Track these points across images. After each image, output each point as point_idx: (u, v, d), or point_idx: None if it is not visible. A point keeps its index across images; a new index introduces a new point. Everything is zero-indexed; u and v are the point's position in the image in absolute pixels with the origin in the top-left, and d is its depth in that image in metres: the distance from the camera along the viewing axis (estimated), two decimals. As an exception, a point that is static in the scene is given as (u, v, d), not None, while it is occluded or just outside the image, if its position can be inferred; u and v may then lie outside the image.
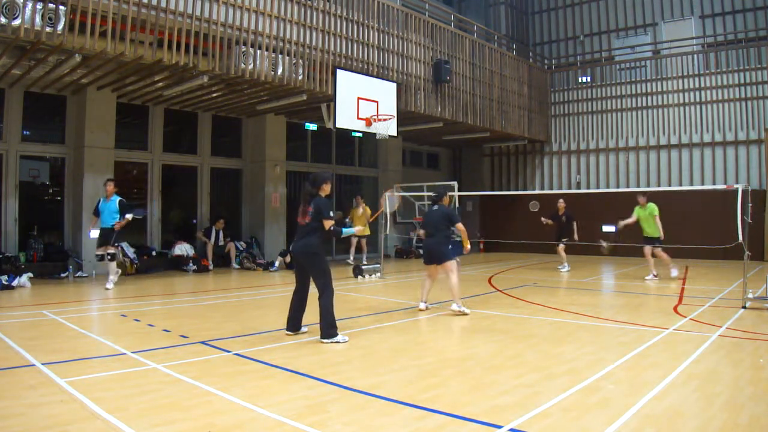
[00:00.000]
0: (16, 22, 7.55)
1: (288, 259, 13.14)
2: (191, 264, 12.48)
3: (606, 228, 16.77)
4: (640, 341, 5.59)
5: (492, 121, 16.34)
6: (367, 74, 12.14)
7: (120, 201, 9.84)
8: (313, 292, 5.81)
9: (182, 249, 12.80)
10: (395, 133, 12.60)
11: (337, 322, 5.67)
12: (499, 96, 16.67)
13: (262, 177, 14.42)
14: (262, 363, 4.78)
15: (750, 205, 7.67)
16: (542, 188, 19.51)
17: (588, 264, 14.62)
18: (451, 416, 3.50)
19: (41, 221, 12.01)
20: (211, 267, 12.81)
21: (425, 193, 17.47)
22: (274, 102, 12.36)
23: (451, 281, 7.38)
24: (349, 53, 11.98)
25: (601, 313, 7.37)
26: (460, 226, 7.63)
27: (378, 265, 12.00)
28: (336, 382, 4.22)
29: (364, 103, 11.81)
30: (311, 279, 5.84)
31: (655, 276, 11.39)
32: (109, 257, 9.68)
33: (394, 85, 12.62)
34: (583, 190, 17.90)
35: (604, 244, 13.15)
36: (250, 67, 10.09)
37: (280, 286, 10.27)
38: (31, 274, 9.90)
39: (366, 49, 12.35)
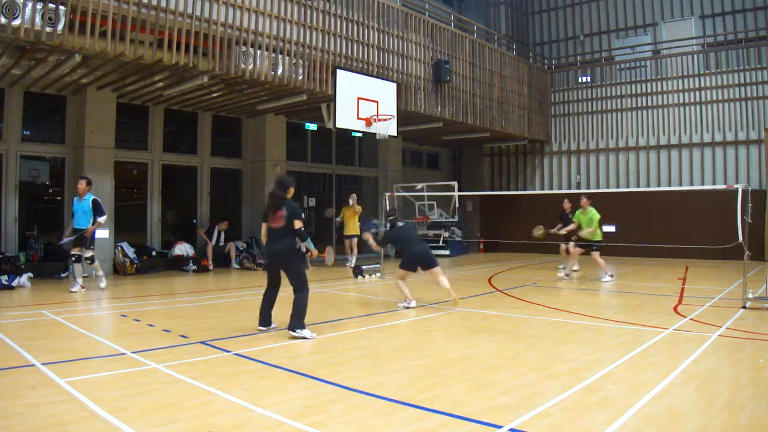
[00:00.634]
0: (16, 22, 7.55)
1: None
2: (191, 264, 12.48)
3: (606, 228, 16.77)
4: (640, 341, 5.59)
5: (492, 121, 16.34)
6: (367, 74, 12.14)
7: (93, 200, 9.11)
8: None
9: (182, 249, 12.80)
10: (395, 133, 12.60)
11: (337, 321, 5.68)
12: (499, 96, 16.67)
13: (262, 177, 14.42)
14: (261, 363, 4.78)
15: (750, 205, 7.66)
16: (542, 188, 19.51)
17: (588, 264, 14.61)
18: (451, 416, 3.50)
19: (41, 221, 12.02)
20: (211, 267, 12.81)
21: (425, 193, 17.52)
22: (274, 102, 12.36)
23: (443, 282, 7.89)
24: (349, 53, 11.98)
25: (601, 313, 7.37)
26: None
27: (378, 265, 12.00)
28: (336, 382, 4.22)
29: (364, 103, 11.81)
30: (281, 279, 6.13)
31: (568, 275, 11.62)
32: (88, 261, 9.17)
33: (394, 85, 12.62)
34: (583, 190, 17.87)
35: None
36: (250, 67, 10.09)
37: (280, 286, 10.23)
38: (31, 274, 9.90)
39: (366, 49, 12.35)
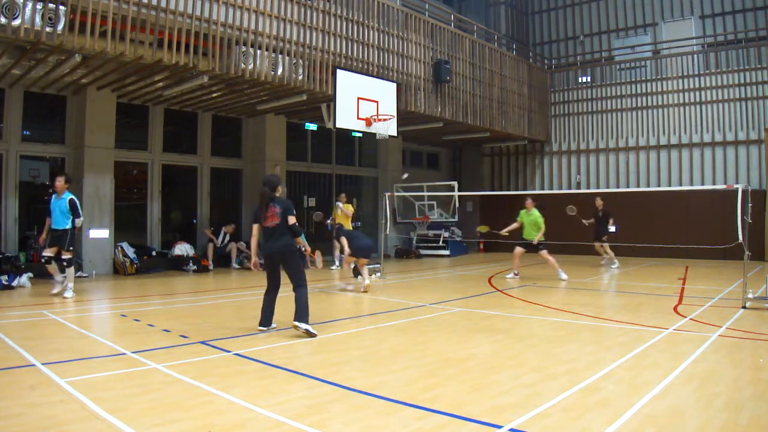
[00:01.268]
0: (16, 22, 7.55)
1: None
2: (191, 264, 12.48)
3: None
4: (640, 341, 5.59)
5: (492, 121, 16.34)
6: (367, 74, 12.14)
7: (71, 200, 8.44)
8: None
9: (182, 249, 12.80)
10: (395, 133, 12.60)
11: (337, 321, 5.69)
12: (499, 96, 16.67)
13: (262, 177, 14.39)
14: (262, 363, 4.78)
15: (750, 205, 7.66)
16: (542, 188, 19.50)
17: (588, 264, 14.62)
18: (451, 416, 3.50)
19: (41, 221, 12.00)
20: (211, 267, 12.82)
21: (425, 193, 17.53)
22: (274, 102, 12.36)
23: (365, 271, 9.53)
24: (349, 53, 11.98)
25: (601, 313, 7.37)
26: None
27: (378, 265, 11.99)
28: (336, 382, 4.22)
29: (364, 103, 11.81)
30: (281, 278, 6.19)
31: (516, 274, 11.81)
32: (65, 263, 8.45)
33: (394, 85, 12.62)
34: (583, 190, 17.89)
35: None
36: (250, 67, 10.09)
37: (280, 286, 10.24)
38: (31, 274, 9.89)
39: (366, 49, 12.35)
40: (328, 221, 13.82)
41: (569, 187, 18.79)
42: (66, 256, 8.46)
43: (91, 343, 5.55)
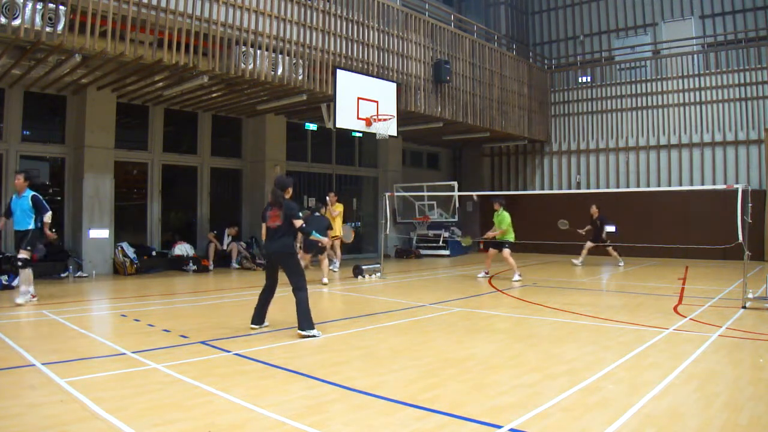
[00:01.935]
0: (16, 22, 7.55)
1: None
2: (191, 264, 12.48)
3: (606, 228, 16.75)
4: (640, 341, 5.59)
5: (492, 121, 16.34)
6: (367, 74, 12.14)
7: (33, 197, 7.83)
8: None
9: (182, 249, 12.81)
10: (395, 133, 12.60)
11: (337, 321, 5.68)
12: (499, 96, 16.67)
13: (262, 177, 14.42)
14: (262, 363, 4.78)
15: (750, 205, 7.66)
16: (542, 188, 19.51)
17: (588, 264, 14.62)
18: (451, 416, 3.50)
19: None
20: (211, 267, 12.82)
21: (425, 193, 17.53)
22: (274, 102, 12.36)
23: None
24: (349, 53, 11.98)
25: (601, 313, 7.37)
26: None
27: (378, 265, 11.99)
28: (336, 382, 4.22)
29: (364, 103, 11.81)
30: (279, 278, 6.22)
31: (486, 273, 11.96)
32: (20, 263, 7.76)
33: (394, 85, 12.62)
34: (583, 190, 17.89)
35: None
36: (250, 67, 10.09)
37: (280, 286, 10.24)
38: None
39: (366, 49, 12.35)
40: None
41: (569, 187, 18.79)
42: (22, 255, 7.74)
43: (91, 343, 5.55)
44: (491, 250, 12.04)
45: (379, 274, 11.73)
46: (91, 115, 11.57)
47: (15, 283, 9.32)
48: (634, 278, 11.85)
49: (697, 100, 17.02)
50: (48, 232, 7.95)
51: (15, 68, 9.55)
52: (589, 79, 19.46)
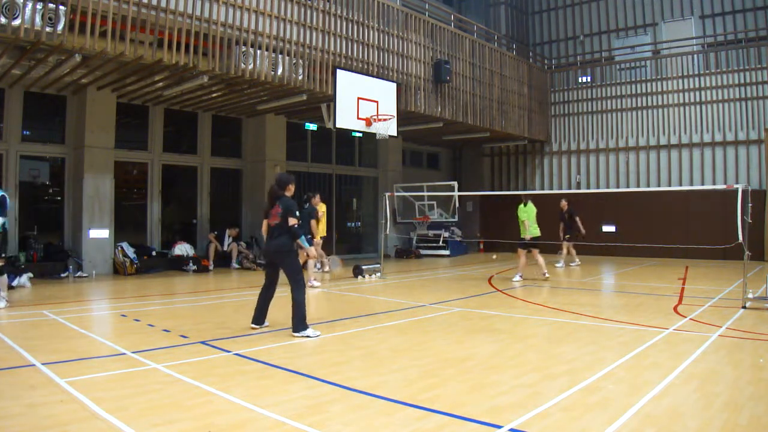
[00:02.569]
0: (16, 22, 7.55)
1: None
2: (191, 264, 12.48)
3: (606, 228, 16.78)
4: (640, 341, 5.59)
5: (492, 121, 16.34)
6: (367, 74, 12.14)
7: (2, 197, 7.45)
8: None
9: (182, 249, 12.81)
10: (395, 133, 12.60)
11: (336, 321, 5.68)
12: (499, 96, 16.67)
13: (262, 177, 14.42)
14: (262, 363, 4.78)
15: (750, 205, 7.66)
16: (542, 188, 19.51)
17: (588, 264, 14.62)
18: (451, 416, 3.50)
19: (41, 221, 12.02)
20: (211, 267, 12.82)
21: (425, 193, 17.53)
22: (274, 102, 12.36)
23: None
24: (349, 53, 11.98)
25: (601, 313, 7.37)
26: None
27: (378, 265, 11.99)
28: (336, 382, 4.22)
29: (364, 103, 11.81)
30: (279, 276, 6.18)
31: (521, 276, 11.40)
32: None
33: (394, 85, 12.62)
34: (583, 190, 17.90)
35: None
36: (250, 67, 10.09)
37: (280, 286, 10.24)
38: (31, 274, 9.90)
39: (366, 49, 12.35)
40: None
41: (569, 187, 18.79)
42: None
43: (91, 343, 5.55)
44: (521, 251, 11.61)
45: (379, 274, 11.73)
46: (91, 115, 11.58)
47: (15, 283, 9.33)
48: (634, 278, 11.85)
49: (697, 100, 17.02)
50: None
51: (15, 68, 9.55)
52: (589, 79, 19.46)
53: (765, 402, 3.76)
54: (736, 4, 17.68)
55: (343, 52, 11.85)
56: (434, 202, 18.00)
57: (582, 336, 5.97)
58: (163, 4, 8.89)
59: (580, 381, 4.22)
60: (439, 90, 14.31)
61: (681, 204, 16.24)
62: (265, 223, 6.20)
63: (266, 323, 6.27)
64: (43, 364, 4.58)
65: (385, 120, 12.08)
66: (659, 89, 17.71)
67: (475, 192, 19.59)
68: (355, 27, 12.15)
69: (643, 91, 18.04)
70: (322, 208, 12.10)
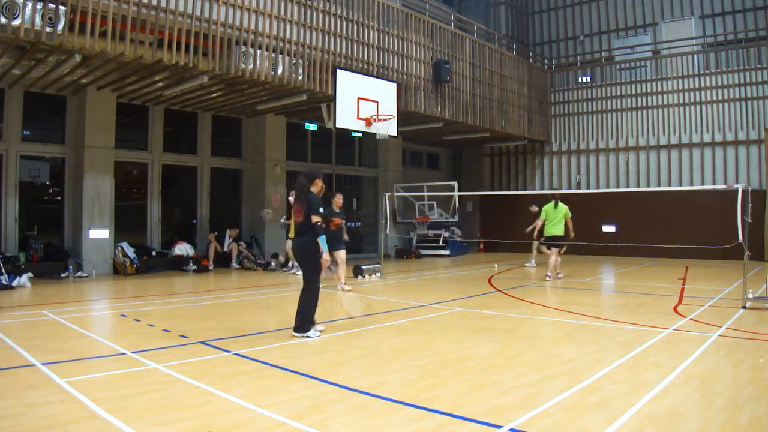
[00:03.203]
0: (16, 22, 7.55)
1: (282, 260, 13.17)
2: (191, 264, 12.48)
3: (606, 228, 16.78)
4: (640, 341, 5.59)
5: (492, 121, 16.34)
6: (367, 74, 12.14)
7: None
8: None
9: (182, 249, 12.81)
10: (395, 133, 12.60)
11: (337, 321, 5.67)
12: (499, 96, 16.67)
13: (262, 177, 14.42)
14: (262, 363, 4.78)
15: (750, 205, 7.66)
16: (542, 188, 19.50)
17: (588, 264, 14.62)
18: (451, 416, 3.50)
19: (41, 221, 12.02)
20: (211, 267, 12.82)
21: (425, 193, 17.53)
22: (274, 102, 12.36)
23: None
24: (349, 53, 11.98)
25: (601, 313, 7.37)
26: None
27: (378, 265, 11.99)
28: (336, 382, 4.22)
29: (364, 103, 11.81)
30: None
31: (559, 275, 11.62)
32: None
33: (394, 85, 12.62)
34: (583, 190, 17.90)
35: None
36: (250, 67, 10.09)
37: (280, 286, 10.26)
38: (31, 274, 9.90)
39: (366, 49, 12.35)
40: (283, 220, 12.82)
41: (569, 187, 18.80)
42: None
43: (91, 343, 5.55)
44: (553, 250, 11.67)
45: (379, 274, 11.73)
46: (91, 115, 11.57)
47: (15, 283, 9.34)
48: (634, 278, 11.85)
49: (697, 100, 17.02)
50: None
51: (15, 68, 9.55)
52: (589, 79, 19.46)
53: (765, 402, 3.76)
54: (736, 4, 17.68)
55: (343, 52, 11.85)
56: (434, 202, 18.00)
57: (582, 336, 5.97)
58: (163, 4, 8.89)
59: (580, 381, 4.22)
60: (439, 90, 14.31)
61: (681, 204, 16.24)
62: (292, 220, 6.02)
63: (320, 327, 6.04)
64: (43, 364, 4.58)
65: (385, 120, 12.08)
66: (659, 89, 17.71)
67: (475, 192, 19.59)
68: (355, 27, 12.15)
69: (643, 91, 18.04)
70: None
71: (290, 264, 12.50)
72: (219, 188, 14.71)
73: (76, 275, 11.14)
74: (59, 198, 12.07)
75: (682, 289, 9.86)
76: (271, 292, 9.69)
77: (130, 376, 4.35)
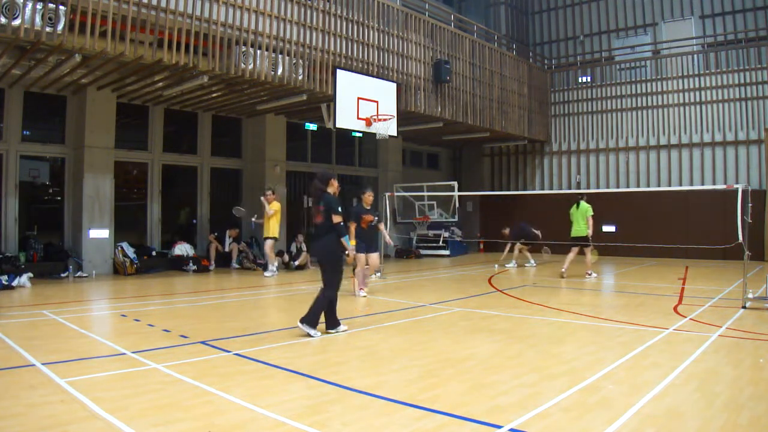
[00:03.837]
0: (16, 22, 7.55)
1: (286, 259, 13.16)
2: (191, 264, 12.48)
3: (606, 228, 16.78)
4: (640, 341, 5.59)
5: (492, 121, 16.34)
6: (367, 74, 12.14)
7: None
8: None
9: (182, 249, 12.81)
10: (395, 133, 12.60)
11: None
12: (499, 96, 16.67)
13: (262, 177, 14.42)
14: (262, 363, 4.78)
15: (750, 205, 7.66)
16: (542, 188, 19.51)
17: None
18: (451, 416, 3.50)
19: (41, 221, 12.02)
20: (212, 267, 12.82)
21: (425, 193, 17.53)
22: (274, 102, 12.36)
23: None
24: (349, 53, 11.98)
25: (601, 313, 7.37)
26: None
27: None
28: (336, 382, 4.22)
29: (364, 103, 11.81)
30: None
31: (590, 274, 11.74)
32: None
33: (394, 85, 12.62)
34: (583, 190, 17.88)
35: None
36: (250, 67, 10.09)
37: (281, 286, 10.26)
38: (31, 274, 9.90)
39: (366, 49, 12.35)
40: (254, 219, 12.53)
41: (569, 187, 18.79)
42: None
43: (91, 343, 5.55)
44: (575, 249, 11.83)
45: (379, 274, 11.72)
46: (91, 115, 11.58)
47: (15, 283, 9.34)
48: (634, 278, 11.85)
49: (697, 100, 17.02)
50: None
51: (15, 68, 9.55)
52: (589, 79, 19.46)
53: (765, 402, 3.76)
54: (736, 4, 17.68)
55: (343, 52, 11.85)
56: (434, 202, 18.00)
57: (582, 336, 5.97)
58: (163, 4, 8.89)
59: (580, 381, 4.22)
60: (439, 90, 14.31)
61: (681, 204, 16.24)
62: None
63: (342, 327, 6.05)
64: (43, 364, 4.58)
65: (385, 120, 12.08)
66: (659, 89, 17.71)
67: (475, 192, 19.58)
68: (355, 27, 12.15)
69: (643, 91, 18.04)
70: (275, 207, 11.76)
71: (275, 266, 12.16)
72: (219, 188, 14.71)
73: (76, 275, 11.14)
74: (59, 198, 12.07)
75: (682, 289, 9.86)
76: (271, 292, 9.69)
77: (130, 376, 4.35)
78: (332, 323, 6.04)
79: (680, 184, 16.93)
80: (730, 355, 5.06)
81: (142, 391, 3.95)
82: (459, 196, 17.45)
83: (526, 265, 14.20)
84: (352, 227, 8.66)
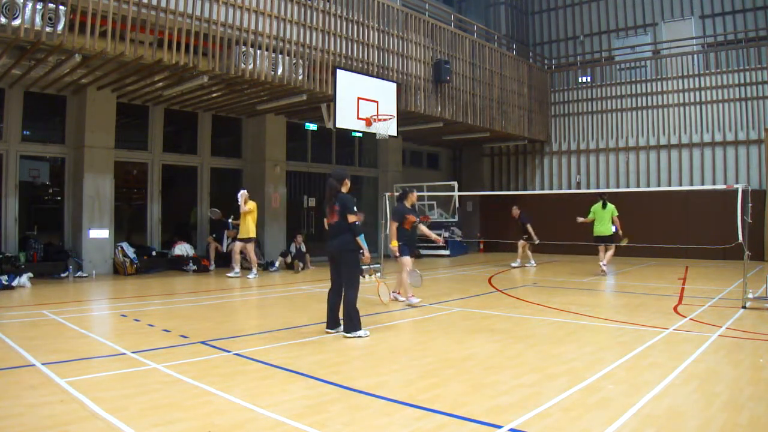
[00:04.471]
0: (16, 22, 7.55)
1: (288, 259, 13.16)
2: (191, 264, 12.48)
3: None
4: (640, 341, 5.59)
5: (492, 121, 16.34)
6: (367, 74, 12.14)
7: None
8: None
9: (182, 249, 12.81)
10: (395, 133, 12.60)
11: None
12: (499, 96, 16.67)
13: (262, 177, 14.42)
14: (262, 363, 4.78)
15: (750, 205, 7.66)
16: (542, 188, 19.51)
17: (588, 264, 14.61)
18: (451, 416, 3.50)
19: (41, 221, 12.02)
20: (212, 267, 12.82)
21: (425, 193, 17.53)
22: (274, 102, 12.36)
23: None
24: (349, 53, 11.98)
25: (601, 313, 7.36)
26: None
27: (378, 265, 11.99)
28: (336, 382, 4.22)
29: (364, 103, 11.81)
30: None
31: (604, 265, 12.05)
32: None
33: (394, 85, 12.62)
34: (583, 190, 17.89)
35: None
36: (250, 67, 10.09)
37: (281, 286, 10.26)
38: (31, 274, 9.90)
39: (366, 49, 12.35)
40: (230, 220, 12.49)
41: (569, 187, 18.79)
42: None
43: (91, 343, 5.55)
44: (601, 247, 12.15)
45: (379, 274, 11.71)
46: (91, 115, 11.58)
47: (15, 283, 9.34)
48: (634, 278, 11.85)
49: (697, 100, 17.02)
50: None
51: (15, 68, 9.55)
52: (589, 79, 19.46)
53: (765, 402, 3.76)
54: (736, 4, 17.68)
55: (343, 52, 11.85)
56: (434, 202, 18.00)
57: (582, 336, 5.97)
58: (163, 4, 8.89)
59: (580, 381, 4.22)
60: (439, 90, 14.31)
61: (681, 204, 16.23)
62: (326, 222, 6.03)
63: (341, 327, 6.00)
64: (43, 364, 4.58)
65: (385, 120, 12.08)
66: (659, 89, 17.70)
67: (475, 192, 19.58)
68: (355, 27, 12.15)
69: (643, 91, 18.04)
70: (251, 206, 11.61)
71: (243, 268, 11.95)
72: (219, 188, 14.70)
73: (76, 275, 11.15)
74: (59, 198, 12.07)
75: (682, 289, 9.86)
76: (271, 292, 9.69)
77: (130, 376, 4.35)
78: (332, 323, 6.04)
79: (680, 184, 16.92)
80: (730, 355, 5.06)
81: (142, 391, 3.95)
82: (459, 196, 17.45)
83: (526, 265, 14.21)
84: (393, 227, 8.25)
